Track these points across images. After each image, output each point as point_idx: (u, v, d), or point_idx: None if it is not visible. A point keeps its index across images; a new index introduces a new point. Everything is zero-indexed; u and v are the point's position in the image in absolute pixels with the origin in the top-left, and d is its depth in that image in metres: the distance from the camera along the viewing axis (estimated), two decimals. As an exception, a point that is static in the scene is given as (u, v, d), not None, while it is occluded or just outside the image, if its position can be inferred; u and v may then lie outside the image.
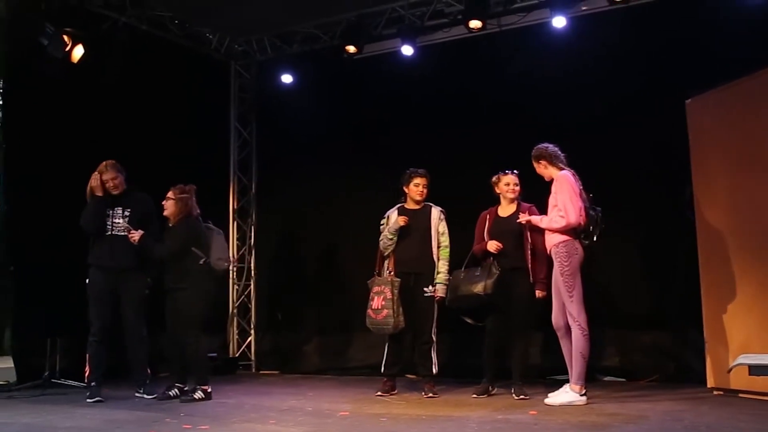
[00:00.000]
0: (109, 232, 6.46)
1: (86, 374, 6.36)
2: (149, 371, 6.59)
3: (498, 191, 6.43)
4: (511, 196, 6.36)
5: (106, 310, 6.41)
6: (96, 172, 6.51)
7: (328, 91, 9.24)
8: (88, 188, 6.50)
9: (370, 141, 8.87)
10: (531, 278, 6.16)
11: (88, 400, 6.21)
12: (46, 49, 7.29)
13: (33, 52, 7.35)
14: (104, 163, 6.55)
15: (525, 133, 7.43)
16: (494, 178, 6.44)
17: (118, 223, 6.45)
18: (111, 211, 6.49)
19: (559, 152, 5.92)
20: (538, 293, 6.15)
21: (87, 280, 6.48)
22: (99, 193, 6.47)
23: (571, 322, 5.66)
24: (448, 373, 7.29)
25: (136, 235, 6.29)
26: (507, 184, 6.36)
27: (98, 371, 6.37)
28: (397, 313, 6.29)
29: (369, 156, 8.78)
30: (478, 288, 6.09)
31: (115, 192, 6.51)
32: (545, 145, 5.97)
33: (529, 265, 6.16)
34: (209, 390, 6.22)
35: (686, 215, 6.69)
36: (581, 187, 5.78)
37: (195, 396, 6.12)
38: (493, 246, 6.18)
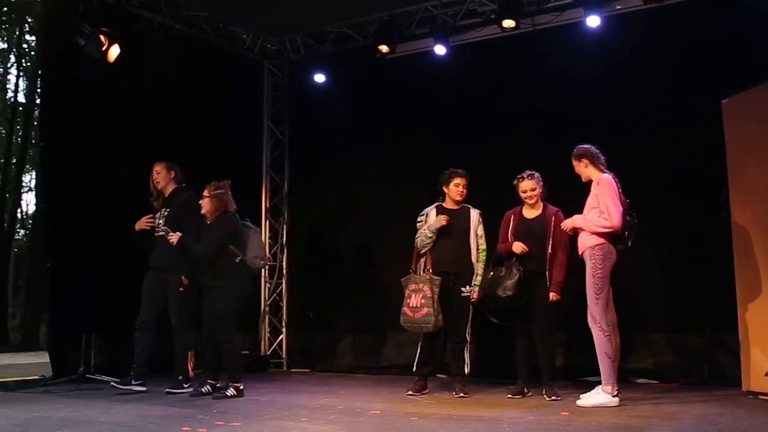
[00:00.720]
0: (157, 233, 6.65)
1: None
2: (190, 368, 6.67)
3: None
4: (530, 202, 6.36)
5: (148, 305, 6.64)
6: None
7: (360, 91, 9.27)
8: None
9: (402, 141, 8.87)
10: (547, 280, 6.16)
11: (112, 384, 6.52)
12: (83, 49, 7.37)
13: (70, 51, 7.43)
14: (154, 166, 6.83)
15: (557, 135, 7.43)
16: (515, 181, 6.43)
17: (160, 223, 6.65)
18: (158, 213, 6.73)
19: (601, 155, 5.89)
20: (552, 296, 6.13)
21: None
22: (154, 203, 6.79)
23: (591, 323, 5.63)
24: (478, 373, 7.30)
25: (174, 238, 6.39)
26: (524, 191, 6.35)
27: (139, 360, 6.57)
28: (437, 312, 6.28)
29: (401, 156, 8.78)
30: (502, 290, 6.10)
31: (158, 186, 6.75)
32: (588, 145, 5.93)
33: (547, 268, 6.16)
34: (242, 387, 6.27)
35: (722, 217, 6.61)
36: (621, 192, 5.74)
37: (227, 393, 6.18)
38: (518, 248, 6.17)
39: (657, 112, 7.42)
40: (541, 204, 6.38)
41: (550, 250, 6.15)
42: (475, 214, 6.62)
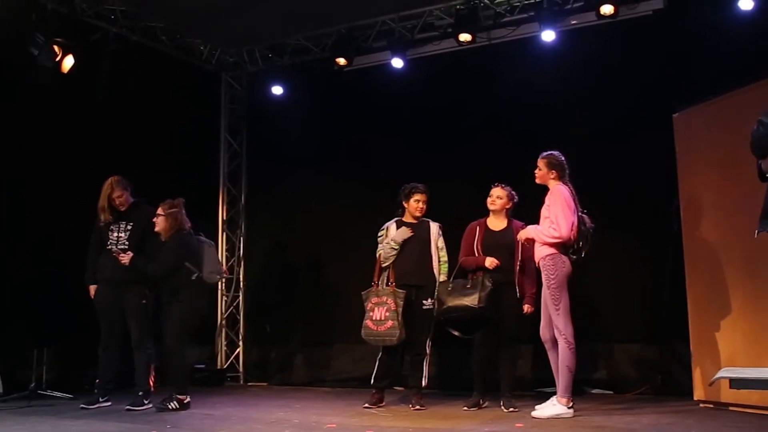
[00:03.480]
0: (111, 247, 6.53)
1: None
2: (151, 383, 6.59)
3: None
4: (492, 207, 6.38)
5: (110, 321, 6.56)
6: (103, 191, 6.60)
7: (318, 103, 9.26)
8: (98, 207, 6.63)
9: (360, 153, 8.88)
10: (518, 292, 6.18)
11: (81, 406, 6.40)
12: (36, 60, 7.27)
13: (23, 61, 7.33)
14: (110, 180, 6.65)
15: (514, 146, 7.52)
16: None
17: (120, 237, 6.55)
18: (114, 225, 6.59)
19: (566, 167, 5.94)
20: (527, 308, 6.16)
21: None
22: (102, 216, 6.58)
23: (557, 335, 5.66)
24: (436, 386, 7.33)
25: (126, 258, 6.34)
26: (490, 195, 6.39)
27: (104, 378, 6.55)
28: (401, 325, 6.27)
29: (359, 168, 8.80)
30: (472, 300, 6.06)
31: (121, 209, 6.62)
32: (562, 157, 5.94)
33: (516, 280, 6.19)
34: (186, 400, 6.23)
35: (673, 228, 6.73)
36: (577, 204, 5.80)
37: (169, 405, 6.14)
38: (492, 263, 6.16)
39: (611, 124, 7.50)
40: (506, 218, 6.41)
41: (519, 263, 6.17)
42: (434, 227, 6.64)
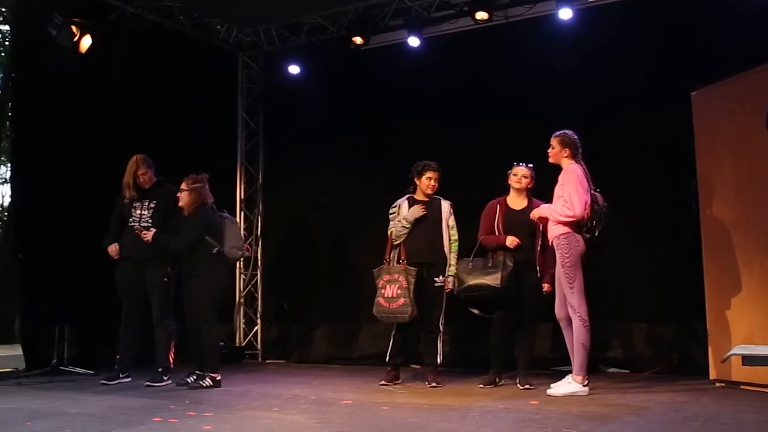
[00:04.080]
0: (134, 224, 6.61)
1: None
2: (171, 360, 6.69)
3: (509, 182, 6.45)
4: (517, 186, 6.37)
5: (131, 298, 6.67)
6: (128, 168, 6.67)
7: (334, 82, 9.27)
8: (123, 183, 6.71)
9: (376, 132, 8.90)
10: (538, 272, 6.19)
11: (102, 381, 6.50)
12: (55, 40, 7.32)
13: (42, 42, 7.38)
14: (135, 158, 6.73)
15: (530, 125, 7.46)
16: (509, 170, 6.45)
17: (143, 214, 6.63)
18: (138, 203, 6.67)
19: (579, 146, 5.92)
20: (546, 287, 6.17)
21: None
22: (127, 193, 6.66)
23: (571, 313, 5.69)
24: (453, 363, 7.38)
25: (148, 235, 6.44)
26: (515, 174, 6.38)
27: (124, 355, 6.67)
28: (413, 302, 6.30)
29: (375, 147, 8.82)
30: (494, 280, 6.10)
31: (145, 186, 6.70)
32: (575, 135, 5.92)
33: (537, 259, 6.19)
34: (218, 378, 6.30)
35: (691, 208, 6.70)
36: (590, 183, 5.79)
37: (203, 383, 6.20)
38: (513, 242, 6.18)
39: (629, 103, 7.47)
40: (527, 197, 6.41)
41: (540, 242, 6.16)
42: (446, 205, 6.65)
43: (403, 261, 6.47)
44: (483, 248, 6.37)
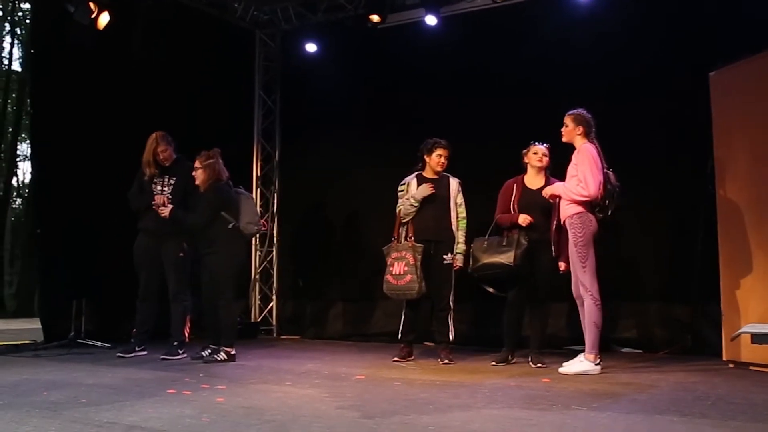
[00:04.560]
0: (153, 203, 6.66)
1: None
2: (187, 334, 6.77)
3: (526, 161, 6.43)
4: (539, 165, 6.35)
5: (148, 273, 6.75)
6: (148, 145, 6.71)
7: (351, 61, 9.27)
8: (143, 161, 6.74)
9: (393, 110, 8.89)
10: (553, 251, 6.18)
11: (118, 354, 6.61)
12: (73, 16, 7.35)
13: (61, 19, 7.41)
14: (154, 135, 6.76)
15: (546, 105, 7.40)
16: (525, 149, 6.44)
17: (164, 191, 6.68)
18: (158, 179, 6.72)
19: (594, 126, 5.90)
20: (563, 266, 6.14)
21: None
22: (147, 170, 6.70)
23: (583, 292, 5.70)
24: (467, 341, 7.41)
25: (166, 211, 6.49)
26: (535, 153, 6.37)
27: (141, 329, 6.77)
28: (420, 279, 6.32)
29: (391, 125, 8.81)
30: (507, 258, 6.11)
31: (165, 164, 6.75)
32: (588, 113, 5.91)
33: (553, 238, 6.17)
34: (233, 352, 6.36)
35: (707, 188, 6.66)
36: (604, 162, 5.78)
37: (218, 357, 6.27)
38: (525, 220, 6.18)
39: (646, 83, 7.43)
40: (544, 176, 6.40)
41: (556, 221, 6.12)
42: (454, 183, 6.66)
43: (410, 238, 6.50)
44: (498, 227, 6.38)
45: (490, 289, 6.39)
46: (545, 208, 6.21)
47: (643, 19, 7.54)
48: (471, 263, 6.37)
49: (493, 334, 6.89)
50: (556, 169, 6.23)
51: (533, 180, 6.40)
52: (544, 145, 6.39)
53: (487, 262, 6.22)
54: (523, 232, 6.19)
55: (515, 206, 6.31)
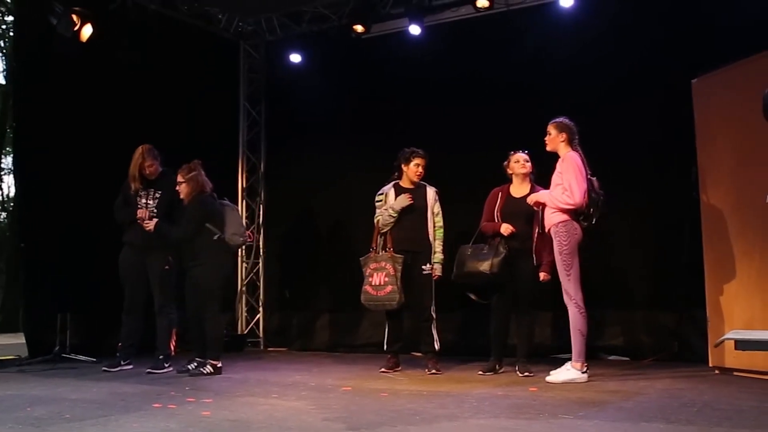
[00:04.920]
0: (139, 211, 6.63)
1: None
2: (172, 347, 6.74)
3: (510, 171, 6.42)
4: (523, 171, 6.34)
5: (133, 286, 6.70)
6: (134, 160, 6.67)
7: (336, 71, 9.28)
8: (129, 174, 6.70)
9: (377, 119, 8.90)
10: (534, 260, 6.18)
11: (103, 368, 6.57)
12: (55, 29, 7.33)
13: (44, 31, 7.39)
14: (141, 149, 6.72)
15: (532, 113, 7.41)
16: (505, 161, 6.43)
17: (149, 204, 6.65)
18: (144, 192, 6.69)
19: (577, 134, 5.92)
20: (543, 276, 6.15)
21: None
22: (133, 184, 6.66)
23: (567, 300, 5.70)
24: (454, 351, 7.40)
25: (150, 224, 6.47)
26: (517, 161, 6.37)
27: (126, 343, 6.72)
28: (400, 290, 6.32)
29: (377, 135, 8.79)
30: (485, 266, 6.12)
31: (151, 178, 6.72)
32: (570, 121, 5.93)
33: (534, 247, 6.19)
34: (219, 365, 6.32)
35: (692, 195, 6.69)
36: (588, 171, 5.79)
37: (204, 370, 6.23)
38: (507, 230, 6.18)
39: (630, 91, 7.47)
40: (529, 183, 6.41)
41: (538, 230, 6.13)
42: (431, 192, 6.66)
43: (389, 249, 6.49)
44: (483, 235, 6.38)
45: (473, 296, 6.39)
46: (529, 216, 6.23)
47: (626, 27, 7.58)
48: (455, 270, 6.36)
49: (480, 343, 6.90)
50: (541, 177, 6.24)
51: (518, 188, 6.41)
52: (524, 152, 6.39)
53: (469, 270, 6.23)
54: (504, 241, 6.19)
55: (499, 214, 6.32)
